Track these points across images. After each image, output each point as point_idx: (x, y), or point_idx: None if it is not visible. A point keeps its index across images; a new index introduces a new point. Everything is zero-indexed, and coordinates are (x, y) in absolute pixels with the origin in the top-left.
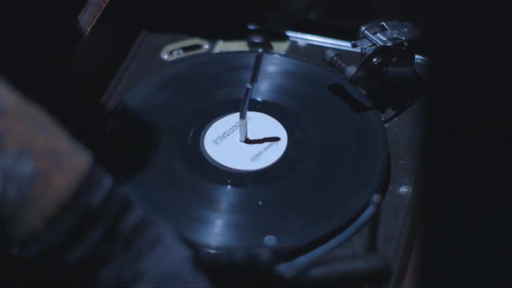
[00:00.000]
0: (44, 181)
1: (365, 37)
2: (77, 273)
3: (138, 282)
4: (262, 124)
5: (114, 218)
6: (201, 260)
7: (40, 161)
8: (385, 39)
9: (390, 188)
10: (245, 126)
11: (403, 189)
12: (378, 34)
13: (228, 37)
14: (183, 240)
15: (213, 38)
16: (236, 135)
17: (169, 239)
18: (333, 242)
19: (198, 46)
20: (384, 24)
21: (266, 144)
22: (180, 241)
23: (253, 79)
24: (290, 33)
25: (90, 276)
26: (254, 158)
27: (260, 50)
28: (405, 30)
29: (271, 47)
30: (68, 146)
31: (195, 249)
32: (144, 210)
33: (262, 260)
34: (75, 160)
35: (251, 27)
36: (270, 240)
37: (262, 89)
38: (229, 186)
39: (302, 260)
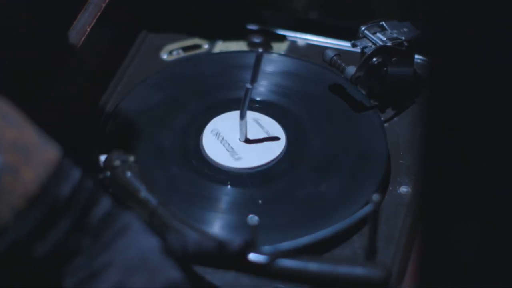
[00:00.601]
0: (13, 174)
1: (365, 36)
2: (45, 268)
3: (106, 271)
4: (262, 123)
5: (82, 209)
6: (170, 248)
7: (9, 154)
8: (385, 39)
9: (390, 188)
10: (245, 126)
11: (403, 189)
12: (378, 34)
13: (227, 37)
14: (152, 230)
15: (212, 38)
16: (236, 135)
17: (137, 228)
18: (323, 233)
19: (197, 46)
20: (384, 24)
21: (266, 143)
22: (149, 231)
23: (253, 79)
24: (290, 33)
25: (58, 271)
26: (254, 157)
27: (260, 50)
28: (405, 30)
29: (271, 47)
30: (37, 140)
31: (164, 238)
32: (111, 202)
33: (230, 250)
34: (43, 153)
35: (250, 27)
36: (252, 219)
37: (262, 89)
38: (229, 186)
39: (285, 246)
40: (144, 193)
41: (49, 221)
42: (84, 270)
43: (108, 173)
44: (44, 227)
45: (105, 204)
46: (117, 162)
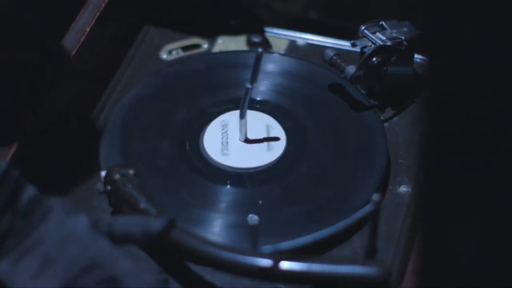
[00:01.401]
0: None
1: (365, 36)
2: None
3: (35, 249)
4: (262, 123)
5: (10, 195)
6: (98, 227)
7: None
8: (384, 38)
9: (390, 187)
10: (245, 125)
11: (403, 189)
12: (378, 34)
13: (227, 37)
14: (80, 211)
15: (212, 38)
16: (236, 135)
17: (65, 209)
18: (323, 233)
19: (197, 46)
20: (384, 24)
21: (265, 143)
22: (78, 211)
23: (253, 79)
24: (289, 33)
25: None
26: (254, 157)
27: (260, 49)
28: (405, 29)
29: (270, 47)
30: None
31: (94, 217)
32: (36, 188)
33: (153, 231)
34: None
35: (249, 26)
36: (252, 219)
37: (262, 89)
38: (228, 186)
39: (285, 245)
40: (143, 204)
41: None
42: (14, 253)
43: (109, 187)
44: None
45: (30, 191)
46: (117, 176)
